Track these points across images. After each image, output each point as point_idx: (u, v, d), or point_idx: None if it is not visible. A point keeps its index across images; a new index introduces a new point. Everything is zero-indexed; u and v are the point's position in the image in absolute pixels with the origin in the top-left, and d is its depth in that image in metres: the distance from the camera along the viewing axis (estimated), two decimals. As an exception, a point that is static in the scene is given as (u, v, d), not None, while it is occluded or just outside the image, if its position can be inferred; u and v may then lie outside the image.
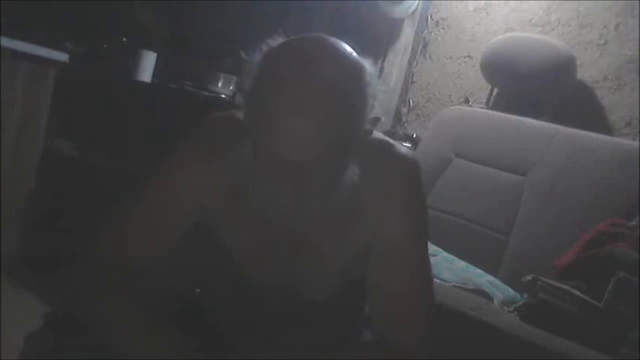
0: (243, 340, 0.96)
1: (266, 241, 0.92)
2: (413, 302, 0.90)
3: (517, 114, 2.18)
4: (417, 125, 2.76)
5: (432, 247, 1.76)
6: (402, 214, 0.89)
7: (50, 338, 0.88)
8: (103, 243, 0.90)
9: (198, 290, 1.05)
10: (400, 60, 2.75)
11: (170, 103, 2.35)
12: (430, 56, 2.77)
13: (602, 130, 2.12)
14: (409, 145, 2.37)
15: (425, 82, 2.77)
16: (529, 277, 1.48)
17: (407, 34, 2.74)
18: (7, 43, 1.90)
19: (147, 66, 2.37)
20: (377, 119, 0.81)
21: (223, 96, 2.43)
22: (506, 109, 2.29)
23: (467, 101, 2.62)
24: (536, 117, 2.14)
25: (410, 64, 2.79)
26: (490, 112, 2.32)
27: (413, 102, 2.80)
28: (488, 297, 1.62)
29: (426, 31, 2.78)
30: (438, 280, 1.58)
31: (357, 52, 0.79)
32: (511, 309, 1.53)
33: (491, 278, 1.78)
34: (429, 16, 2.77)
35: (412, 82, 2.81)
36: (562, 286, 1.44)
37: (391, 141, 0.93)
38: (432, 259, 1.01)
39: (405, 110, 2.82)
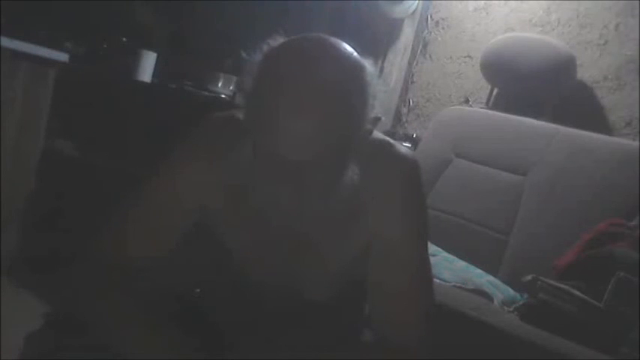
0: (243, 340, 0.96)
1: (266, 241, 0.92)
2: (413, 302, 0.90)
3: (517, 114, 2.18)
4: (417, 125, 2.76)
5: (432, 247, 1.75)
6: (402, 214, 0.89)
7: (50, 338, 0.88)
8: (103, 243, 0.90)
9: (198, 290, 1.05)
10: (400, 60, 2.75)
11: (170, 103, 2.35)
12: (430, 56, 2.77)
13: (602, 130, 2.12)
14: (409, 145, 2.37)
15: (425, 82, 2.77)
16: (529, 277, 1.48)
17: (407, 34, 2.74)
18: (7, 43, 1.90)
19: (147, 66, 2.37)
20: (377, 119, 0.81)
21: (223, 96, 2.43)
22: (506, 109, 2.29)
23: (467, 101, 2.62)
24: (536, 117, 2.14)
25: (410, 64, 2.79)
26: (490, 112, 2.32)
27: (413, 102, 2.80)
28: (488, 297, 1.62)
29: (426, 31, 2.78)
30: (438, 280, 1.58)
31: (357, 52, 0.79)
32: (511, 309, 1.53)
33: (491, 278, 1.78)
34: (429, 16, 2.77)
35: (412, 82, 2.81)
36: (562, 286, 1.44)
37: (391, 141, 0.93)
38: (432, 259, 1.01)
39: (405, 110, 2.82)
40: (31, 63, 2.00)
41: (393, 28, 2.72)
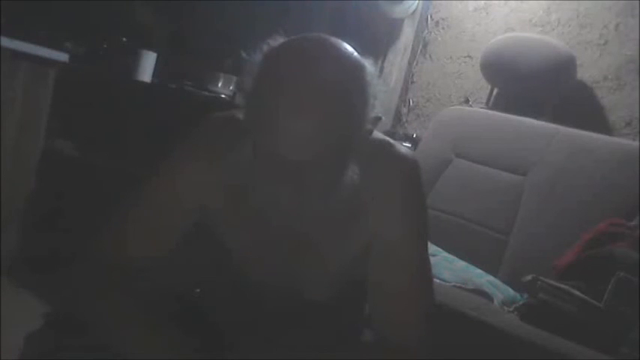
0: (243, 340, 0.96)
1: (266, 241, 0.92)
2: (413, 302, 0.90)
3: (517, 114, 2.18)
4: (417, 125, 2.76)
5: (432, 247, 1.75)
6: (402, 214, 0.89)
7: (50, 338, 0.88)
8: (103, 243, 0.90)
9: (198, 290, 1.05)
10: (400, 60, 2.75)
11: (170, 103, 2.35)
12: (430, 56, 2.77)
13: (602, 130, 2.11)
14: (409, 145, 2.37)
15: (425, 82, 2.77)
16: (529, 277, 1.48)
17: (407, 34, 2.74)
18: (7, 43, 1.90)
19: (147, 66, 2.37)
20: (378, 119, 0.81)
21: (223, 96, 2.43)
22: (506, 109, 2.29)
23: (467, 101, 2.62)
24: (536, 117, 2.14)
25: (410, 64, 2.79)
26: (490, 112, 2.32)
27: (413, 102, 2.80)
28: (488, 297, 1.62)
29: (426, 31, 2.78)
30: (438, 280, 1.58)
31: (357, 52, 0.79)
32: (511, 309, 1.53)
33: (491, 278, 1.78)
34: (429, 16, 2.77)
35: (412, 82, 2.81)
36: (562, 286, 1.44)
37: (391, 141, 0.93)
38: (432, 259, 1.01)
39: (405, 110, 2.82)
40: (31, 63, 2.00)
41: (393, 28, 2.72)
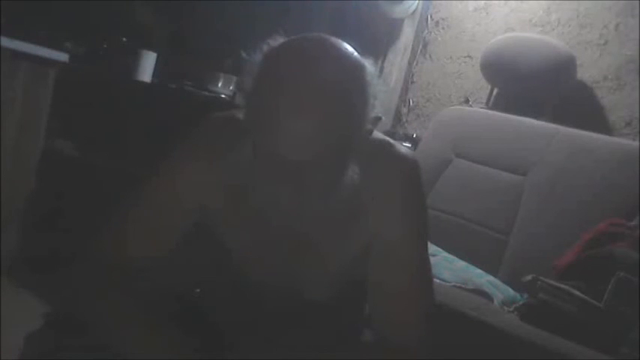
0: (243, 340, 0.96)
1: (266, 241, 0.92)
2: (413, 302, 0.90)
3: (517, 114, 2.18)
4: (417, 125, 2.76)
5: (432, 247, 1.75)
6: (402, 214, 0.89)
7: (50, 338, 0.88)
8: (103, 243, 0.90)
9: (198, 290, 1.05)
10: (400, 60, 2.75)
11: (170, 103, 2.35)
12: (430, 56, 2.77)
13: (602, 130, 2.11)
14: (409, 145, 2.37)
15: (425, 82, 2.77)
16: (529, 277, 1.48)
17: (407, 34, 2.74)
18: (7, 43, 1.90)
19: (147, 66, 2.37)
20: (378, 118, 0.81)
21: (223, 96, 2.43)
22: (506, 109, 2.29)
23: (467, 101, 2.62)
24: (536, 117, 2.14)
25: (410, 64, 2.79)
26: (490, 112, 2.32)
27: (413, 102, 2.80)
28: (488, 297, 1.62)
29: (426, 31, 2.78)
30: (438, 280, 1.58)
31: (357, 52, 0.79)
32: (511, 309, 1.53)
33: (491, 278, 1.78)
34: (429, 16, 2.77)
35: (412, 82, 2.81)
36: (562, 286, 1.44)
37: (391, 141, 0.93)
38: (432, 259, 1.01)
39: (405, 110, 2.82)
40: (31, 63, 2.00)
41: (393, 28, 2.72)
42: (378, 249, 0.90)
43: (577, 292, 1.42)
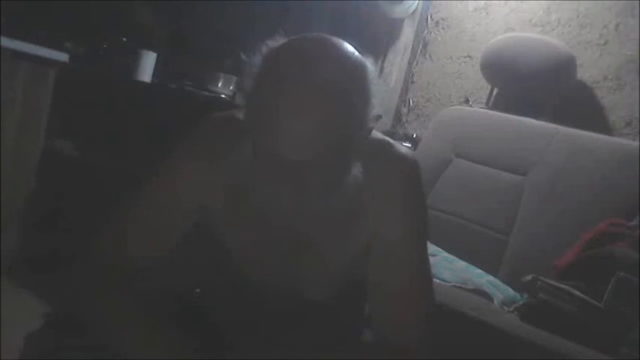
0: (243, 340, 0.96)
1: (266, 241, 0.92)
2: (413, 302, 0.90)
3: (517, 114, 2.18)
4: (417, 125, 2.76)
5: (432, 247, 1.76)
6: (402, 214, 0.89)
7: (50, 338, 0.88)
8: (103, 243, 0.90)
9: (198, 290, 1.05)
10: (400, 60, 2.75)
11: (170, 103, 2.35)
12: (430, 56, 2.77)
13: (602, 130, 2.12)
14: (409, 145, 2.37)
15: (425, 82, 2.77)
16: (529, 277, 1.48)
17: (407, 34, 2.74)
18: (7, 43, 1.90)
19: (147, 66, 2.37)
20: (378, 117, 0.80)
21: (223, 96, 2.43)
22: (506, 109, 2.29)
23: (467, 101, 2.62)
24: (536, 117, 2.14)
25: (410, 64, 2.79)
26: (490, 112, 2.32)
27: (413, 102, 2.80)
28: (488, 297, 1.62)
29: (426, 31, 2.78)
30: (438, 280, 1.58)
31: (358, 52, 0.79)
32: (511, 309, 1.53)
33: (491, 278, 1.78)
34: (429, 16, 2.77)
35: (412, 82, 2.81)
36: (562, 286, 1.44)
37: (391, 141, 0.93)
38: (432, 259, 1.01)
39: (405, 110, 2.82)
40: (31, 63, 2.00)
41: (393, 28, 2.72)
42: (378, 249, 0.90)
43: (577, 292, 1.42)
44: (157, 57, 2.40)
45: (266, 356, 0.94)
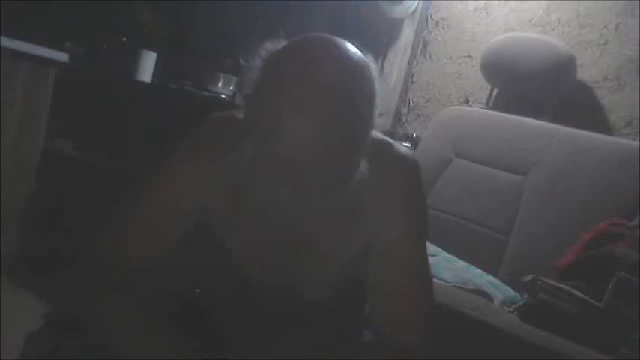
0: (243, 340, 0.96)
1: (266, 241, 0.92)
2: (413, 302, 0.90)
3: (517, 114, 2.18)
4: (417, 125, 2.76)
5: (432, 247, 1.76)
6: (402, 214, 0.89)
7: (50, 338, 0.88)
8: (103, 243, 0.90)
9: (198, 290, 1.05)
10: (400, 60, 2.75)
11: (170, 103, 2.35)
12: (430, 56, 2.77)
13: (602, 130, 2.12)
14: (409, 145, 2.37)
15: (425, 82, 2.77)
16: (529, 277, 1.48)
17: (407, 34, 2.74)
18: (7, 43, 1.90)
19: (147, 66, 2.37)
20: (379, 115, 0.80)
21: (223, 96, 2.43)
22: (506, 109, 2.29)
23: (467, 101, 2.62)
24: (536, 117, 2.14)
25: (410, 64, 2.79)
26: (490, 112, 2.32)
27: (413, 102, 2.80)
28: (488, 297, 1.62)
29: (426, 31, 2.78)
30: (438, 280, 1.58)
31: (360, 52, 0.78)
32: (511, 309, 1.53)
33: (491, 278, 1.78)
34: (429, 16, 2.77)
35: (412, 82, 2.81)
36: (562, 286, 1.44)
37: (391, 141, 0.93)
38: (432, 259, 1.01)
39: (405, 110, 2.82)
40: (31, 63, 2.00)
41: (393, 28, 2.72)
42: (378, 249, 0.90)
43: (577, 292, 1.42)
44: (157, 57, 2.40)
45: (266, 356, 0.94)
